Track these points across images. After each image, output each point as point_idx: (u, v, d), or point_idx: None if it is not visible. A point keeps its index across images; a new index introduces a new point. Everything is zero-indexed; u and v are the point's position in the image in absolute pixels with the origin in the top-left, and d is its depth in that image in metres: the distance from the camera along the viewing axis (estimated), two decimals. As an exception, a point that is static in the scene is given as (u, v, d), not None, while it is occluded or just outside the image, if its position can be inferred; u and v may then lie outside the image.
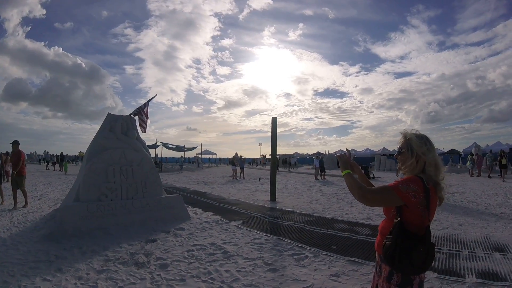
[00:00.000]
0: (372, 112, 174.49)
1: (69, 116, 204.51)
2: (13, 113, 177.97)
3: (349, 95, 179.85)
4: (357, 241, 6.17)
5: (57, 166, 33.91)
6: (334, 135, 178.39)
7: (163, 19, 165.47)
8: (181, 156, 45.57)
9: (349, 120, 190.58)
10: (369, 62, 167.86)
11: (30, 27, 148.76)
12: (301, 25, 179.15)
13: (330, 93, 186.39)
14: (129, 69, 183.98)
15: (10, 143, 10.47)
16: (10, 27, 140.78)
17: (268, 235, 6.60)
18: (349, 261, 4.88)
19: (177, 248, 5.90)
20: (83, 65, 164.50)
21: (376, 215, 8.63)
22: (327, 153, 48.02)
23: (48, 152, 46.53)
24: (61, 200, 10.79)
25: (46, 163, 38.63)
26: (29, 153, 57.87)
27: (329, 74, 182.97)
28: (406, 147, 2.08)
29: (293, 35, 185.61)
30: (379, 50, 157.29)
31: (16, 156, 10.17)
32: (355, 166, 2.35)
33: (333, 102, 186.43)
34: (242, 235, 6.71)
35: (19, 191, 10.26)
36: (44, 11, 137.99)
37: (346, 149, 2.62)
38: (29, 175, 24.56)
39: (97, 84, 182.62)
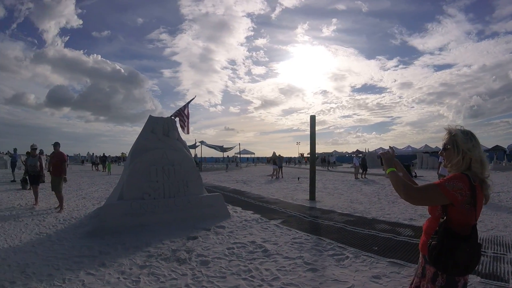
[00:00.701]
0: (413, 107, 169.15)
1: (111, 119, 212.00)
2: (57, 118, 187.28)
3: (387, 90, 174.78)
4: (399, 242, 6.00)
5: (100, 166, 35.22)
6: (374, 132, 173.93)
7: (197, 23, 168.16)
8: (227, 156, 46.12)
9: (388, 117, 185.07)
10: (407, 55, 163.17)
11: (68, 37, 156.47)
12: (334, 20, 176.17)
13: (368, 88, 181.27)
14: (167, 72, 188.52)
15: (52, 145, 10.48)
16: (49, 37, 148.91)
17: (308, 234, 6.54)
18: (391, 263, 4.75)
19: (218, 245, 5.99)
20: (122, 70, 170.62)
21: (418, 216, 8.37)
22: (366, 151, 46.57)
23: (93, 153, 48.20)
24: (104, 199, 11.19)
25: (92, 164, 40.25)
26: (72, 155, 60.44)
27: (366, 69, 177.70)
28: (451, 144, 2.01)
29: (327, 31, 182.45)
30: (417, 42, 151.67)
31: (57, 158, 10.04)
32: (398, 164, 2.29)
33: (371, 98, 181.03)
34: (282, 234, 6.70)
35: (51, 193, 10.44)
36: (81, 21, 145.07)
37: (390, 147, 2.56)
38: (74, 175, 25.88)
39: (136, 88, 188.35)
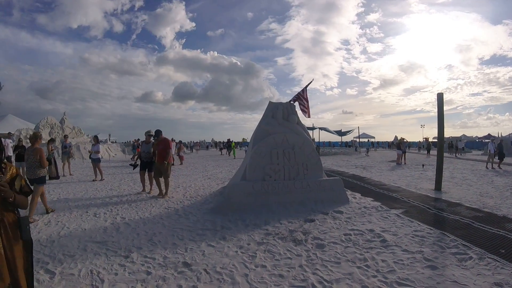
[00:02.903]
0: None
1: (232, 109, 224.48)
2: (183, 110, 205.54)
3: None
4: (532, 247, 5.29)
5: (224, 151, 37.93)
6: (507, 114, 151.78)
7: (304, 7, 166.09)
8: (368, 140, 45.35)
9: None
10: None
11: (184, 39, 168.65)
12: None
13: (498, 60, 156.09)
14: (280, 60, 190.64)
15: (153, 133, 10.35)
16: (167, 42, 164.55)
17: (431, 228, 6.16)
18: None
19: (335, 230, 6.06)
20: (239, 63, 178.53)
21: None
22: (499, 136, 39.60)
23: (224, 141, 51.64)
24: (228, 179, 12.04)
25: (219, 149, 44.67)
26: (198, 141, 66.06)
27: (493, 37, 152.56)
28: None
29: None
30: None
31: (163, 145, 9.73)
32: None
33: (503, 72, 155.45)
34: (403, 225, 6.44)
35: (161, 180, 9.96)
36: (194, 24, 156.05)
37: None
38: (200, 159, 27.96)
39: (253, 78, 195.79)
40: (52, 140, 15.22)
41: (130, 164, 10.21)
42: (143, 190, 10.68)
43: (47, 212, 7.58)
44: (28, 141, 8.82)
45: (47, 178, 8.54)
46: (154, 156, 10.10)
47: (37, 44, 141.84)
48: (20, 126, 31.11)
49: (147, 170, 10.45)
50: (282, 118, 8.86)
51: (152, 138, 10.58)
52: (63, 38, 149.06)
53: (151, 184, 10.64)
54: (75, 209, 8.11)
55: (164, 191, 9.74)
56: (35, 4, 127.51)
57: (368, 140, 47.51)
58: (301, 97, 10.21)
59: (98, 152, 14.01)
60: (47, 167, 10.33)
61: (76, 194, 10.26)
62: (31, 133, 9.95)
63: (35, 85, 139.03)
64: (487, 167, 19.07)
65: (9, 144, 14.80)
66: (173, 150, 22.77)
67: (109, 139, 53.51)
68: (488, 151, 19.85)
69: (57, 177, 13.65)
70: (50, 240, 5.62)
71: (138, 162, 11.16)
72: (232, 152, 32.65)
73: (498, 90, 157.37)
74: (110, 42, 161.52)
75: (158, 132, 10.00)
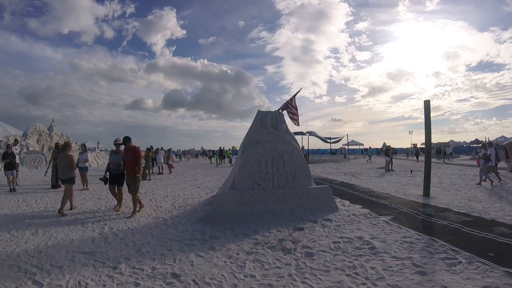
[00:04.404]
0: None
1: (222, 117, 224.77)
2: (173, 118, 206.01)
3: (507, 67, 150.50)
4: (520, 249, 5.35)
5: (213, 159, 38.55)
6: (494, 118, 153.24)
7: (294, 16, 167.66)
8: (370, 147, 45.70)
9: (510, 98, 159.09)
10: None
11: (175, 47, 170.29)
12: None
13: (485, 66, 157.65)
14: (270, 68, 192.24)
15: (121, 140, 9.04)
16: (158, 49, 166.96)
17: (420, 234, 6.21)
18: (506, 273, 4.26)
19: (324, 238, 6.07)
20: (229, 71, 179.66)
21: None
22: (487, 140, 40.47)
23: (213, 149, 51.74)
24: (217, 188, 12.03)
25: (208, 157, 45.66)
26: (187, 149, 66.15)
27: (480, 44, 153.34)
28: None
29: (430, 4, 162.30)
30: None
31: (132, 154, 8.49)
32: None
33: (489, 77, 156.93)
34: (392, 231, 6.48)
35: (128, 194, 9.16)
36: (184, 31, 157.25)
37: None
38: (189, 167, 27.86)
39: (243, 86, 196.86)
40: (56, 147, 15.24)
41: (100, 179, 9.37)
42: (120, 205, 9.26)
43: (71, 209, 9.15)
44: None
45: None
46: (124, 167, 8.81)
47: (27, 48, 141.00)
48: (7, 133, 30.67)
49: (116, 184, 9.09)
50: (271, 127, 8.90)
51: (121, 147, 9.17)
52: (53, 43, 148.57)
53: (119, 199, 9.23)
54: (63, 219, 8.02)
55: (133, 209, 8.51)
56: (26, 8, 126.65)
57: (370, 147, 47.83)
58: (290, 106, 10.27)
59: (86, 161, 13.95)
60: (46, 174, 13.05)
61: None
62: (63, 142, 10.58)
63: (25, 90, 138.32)
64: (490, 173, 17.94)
65: (14, 151, 14.71)
66: (162, 159, 22.66)
67: (98, 147, 53.17)
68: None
69: (58, 186, 13.71)
70: (38, 250, 5.56)
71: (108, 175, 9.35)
72: (229, 160, 32.89)
73: (485, 95, 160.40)
74: (100, 48, 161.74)
75: (126, 139, 8.70)
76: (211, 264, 4.83)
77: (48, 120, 38.11)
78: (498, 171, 15.73)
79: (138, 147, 8.91)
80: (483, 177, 13.97)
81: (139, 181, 8.60)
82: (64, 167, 8.87)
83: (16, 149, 15.74)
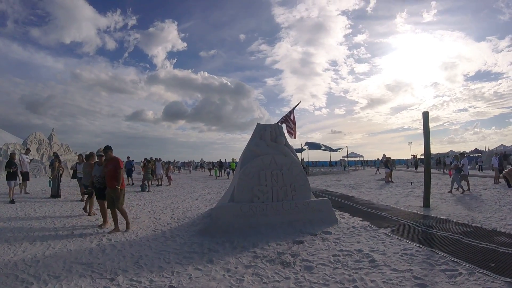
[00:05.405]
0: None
1: (222, 129, 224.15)
2: (173, 130, 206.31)
3: (504, 76, 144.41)
4: (521, 259, 5.31)
5: (212, 171, 38.10)
6: (493, 127, 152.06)
7: (293, 29, 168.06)
8: (377, 159, 45.46)
9: (508, 107, 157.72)
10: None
11: (175, 59, 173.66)
12: (434, 3, 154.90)
13: (482, 75, 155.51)
14: (270, 81, 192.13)
15: (98, 154, 8.87)
16: (158, 61, 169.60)
17: (420, 246, 6.16)
18: (508, 283, 4.23)
19: (323, 251, 6.02)
20: (229, 83, 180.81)
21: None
22: (486, 150, 41.66)
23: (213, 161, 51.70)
24: (216, 201, 11.99)
25: (208, 169, 45.33)
26: (187, 161, 65.53)
27: (477, 54, 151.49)
28: None
29: (427, 16, 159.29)
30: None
31: (112, 165, 7.96)
32: None
33: (487, 87, 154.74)
34: (392, 244, 6.42)
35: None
36: (185, 44, 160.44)
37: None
38: (188, 179, 27.81)
39: (243, 99, 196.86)
40: (56, 156, 15.70)
41: (84, 193, 9.22)
42: (105, 222, 8.51)
43: (89, 215, 9.93)
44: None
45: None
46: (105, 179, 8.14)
47: (29, 57, 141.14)
48: (7, 140, 30.69)
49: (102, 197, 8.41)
50: (270, 140, 8.89)
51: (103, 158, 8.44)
52: (54, 53, 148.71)
53: (103, 215, 8.57)
54: (61, 228, 8.01)
55: (126, 223, 8.08)
56: (29, 17, 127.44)
57: (378, 158, 47.69)
58: (288, 119, 10.32)
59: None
60: (51, 184, 14.21)
61: (62, 213, 10.17)
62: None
63: (25, 98, 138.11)
64: (495, 183, 18.69)
65: (25, 159, 14.71)
66: (161, 170, 22.58)
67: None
68: (492, 166, 19.44)
69: (58, 196, 13.82)
70: (35, 260, 5.57)
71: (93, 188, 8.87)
72: (226, 173, 32.95)
73: (483, 105, 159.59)
74: (102, 59, 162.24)
75: (107, 149, 8.21)
76: (209, 278, 4.79)
77: (48, 129, 38.17)
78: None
79: (160, 158, 9.03)
80: (456, 186, 15.18)
81: (122, 194, 8.03)
82: (87, 173, 10.02)
83: (27, 158, 15.82)
